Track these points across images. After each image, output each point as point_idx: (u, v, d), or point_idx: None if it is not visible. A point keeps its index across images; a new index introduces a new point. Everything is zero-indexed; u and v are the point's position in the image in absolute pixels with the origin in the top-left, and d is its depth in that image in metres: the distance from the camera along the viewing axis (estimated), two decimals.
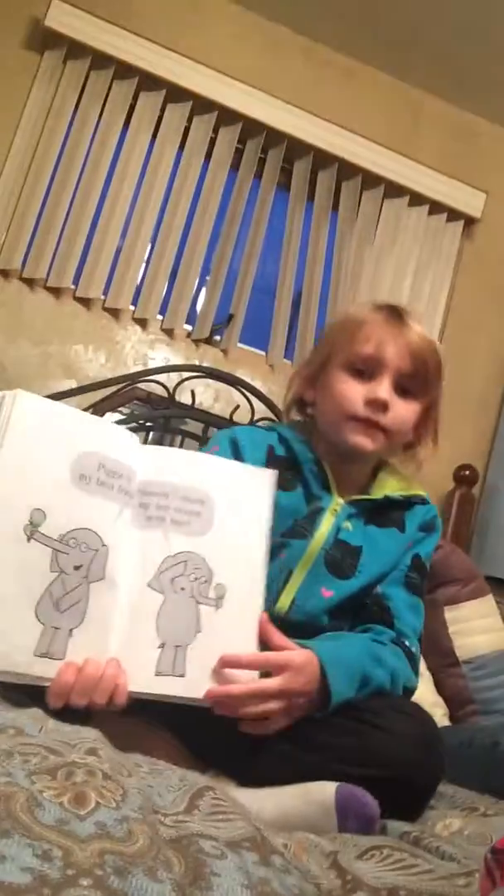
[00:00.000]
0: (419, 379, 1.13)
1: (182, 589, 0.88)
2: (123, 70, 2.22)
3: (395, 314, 1.14)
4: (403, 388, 1.13)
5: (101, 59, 2.20)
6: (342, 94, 2.45)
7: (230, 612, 0.90)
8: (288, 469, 1.16)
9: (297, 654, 0.92)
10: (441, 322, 2.47)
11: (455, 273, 2.50)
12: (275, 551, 1.08)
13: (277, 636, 0.93)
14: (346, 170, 2.40)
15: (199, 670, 0.86)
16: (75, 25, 2.15)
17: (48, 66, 2.19)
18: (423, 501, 1.21)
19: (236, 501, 0.94)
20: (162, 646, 0.86)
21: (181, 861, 0.56)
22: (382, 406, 1.10)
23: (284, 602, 1.11)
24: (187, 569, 0.89)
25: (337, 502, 1.15)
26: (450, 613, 1.84)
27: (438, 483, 2.36)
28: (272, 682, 0.90)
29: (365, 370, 1.12)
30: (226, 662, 0.88)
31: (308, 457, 1.17)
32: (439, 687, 1.79)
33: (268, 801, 0.88)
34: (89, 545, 0.86)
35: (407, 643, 1.08)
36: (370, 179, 2.41)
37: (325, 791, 0.86)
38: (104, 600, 0.85)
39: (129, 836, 0.54)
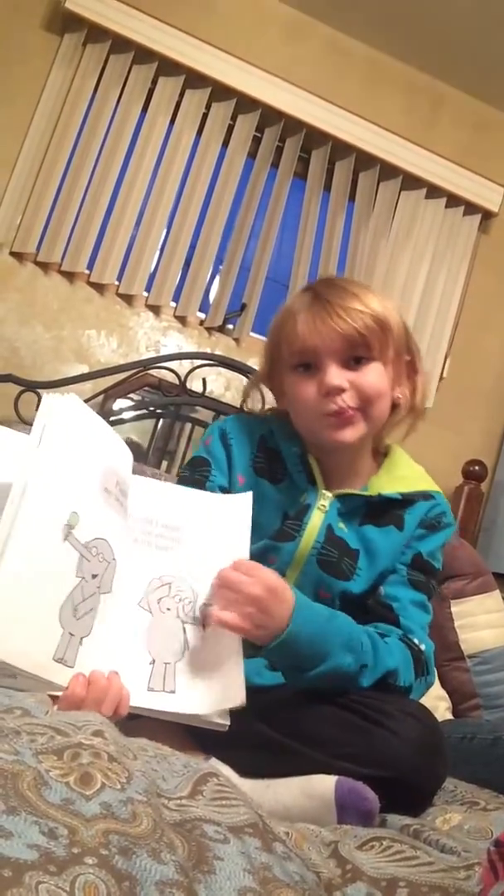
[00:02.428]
0: (360, 345, 1.05)
1: (168, 609, 0.91)
2: (143, 54, 2.21)
3: (310, 296, 1.08)
4: (355, 358, 1.06)
5: (120, 43, 2.19)
6: (362, 84, 2.43)
7: (216, 630, 0.92)
8: (279, 461, 1.13)
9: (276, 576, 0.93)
10: (455, 316, 2.46)
11: (470, 267, 2.49)
12: (265, 555, 1.08)
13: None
14: (364, 160, 2.39)
15: (187, 687, 0.88)
16: (95, 8, 2.14)
17: (67, 49, 2.18)
18: (428, 497, 1.14)
19: (214, 529, 0.98)
20: (152, 662, 0.88)
21: (185, 844, 0.56)
22: (339, 391, 1.04)
23: None
24: (171, 590, 0.92)
25: (324, 496, 1.10)
26: (456, 607, 1.84)
27: (447, 478, 2.36)
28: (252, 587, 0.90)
29: (308, 364, 1.07)
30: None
31: (292, 451, 1.13)
32: (443, 680, 1.79)
33: (268, 793, 0.88)
34: (105, 556, 0.87)
35: (415, 640, 1.05)
36: (387, 170, 2.40)
37: (325, 784, 0.86)
38: (109, 613, 0.87)
39: (134, 818, 0.55)
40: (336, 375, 1.05)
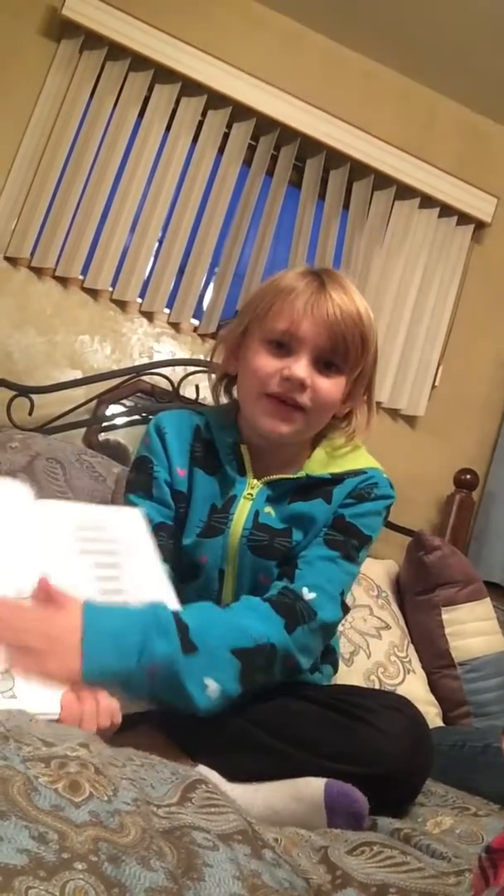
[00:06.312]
0: (341, 353, 1.06)
1: None
2: (139, 62, 2.22)
3: (316, 283, 1.06)
4: (327, 363, 1.07)
5: (116, 50, 2.20)
6: (357, 94, 2.45)
7: None
8: (212, 453, 1.14)
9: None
10: (447, 325, 2.47)
11: (463, 277, 2.50)
12: (196, 552, 1.10)
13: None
14: (358, 169, 2.40)
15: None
16: (92, 15, 2.15)
17: (64, 56, 2.19)
18: (360, 473, 1.12)
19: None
20: None
21: (174, 851, 0.56)
22: (300, 385, 1.04)
23: (227, 600, 1.10)
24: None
25: (251, 485, 1.10)
26: (447, 615, 1.84)
27: (438, 486, 2.36)
28: None
29: (283, 344, 1.06)
30: None
31: (226, 441, 1.14)
32: (433, 687, 1.79)
33: (257, 797, 0.88)
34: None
35: (295, 590, 1.01)
36: (382, 180, 2.41)
37: (313, 787, 0.86)
38: None
39: (122, 828, 0.55)
40: (305, 369, 1.05)
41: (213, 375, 1.21)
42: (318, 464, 1.13)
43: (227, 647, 0.93)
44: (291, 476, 1.11)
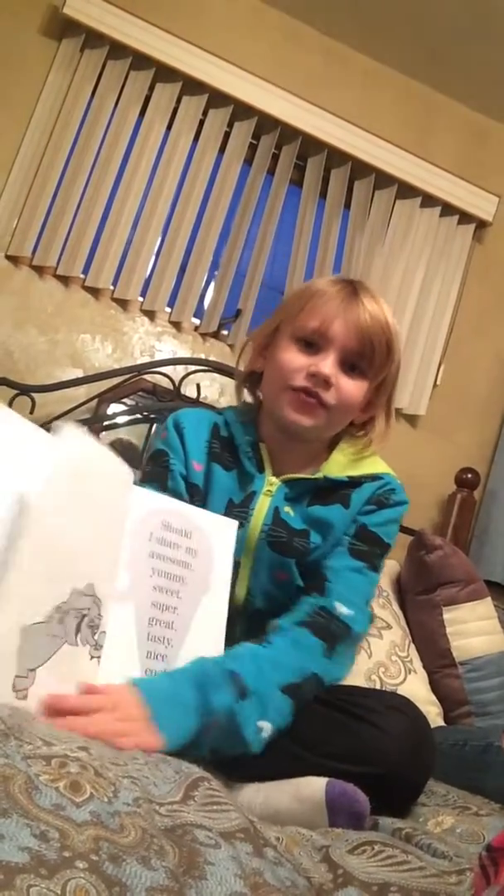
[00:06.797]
0: (367, 357, 1.10)
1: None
2: (140, 60, 2.22)
3: (349, 289, 1.11)
4: (352, 365, 1.10)
5: (118, 49, 2.20)
6: (358, 93, 2.45)
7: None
8: (230, 450, 1.16)
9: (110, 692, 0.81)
10: (449, 324, 2.47)
11: (464, 276, 2.50)
12: None
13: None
14: (360, 168, 2.40)
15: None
16: (93, 14, 2.15)
17: (65, 55, 2.19)
18: (377, 478, 1.14)
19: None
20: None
21: (175, 850, 0.56)
22: (324, 381, 1.08)
23: (240, 594, 1.11)
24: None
25: (270, 482, 1.13)
26: (448, 614, 1.84)
27: (440, 485, 2.36)
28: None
29: (312, 343, 1.10)
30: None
31: (245, 438, 1.16)
32: (435, 687, 1.79)
33: (258, 797, 0.88)
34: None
35: (330, 610, 1.02)
36: (383, 179, 2.41)
37: (315, 787, 0.86)
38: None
39: (122, 829, 0.55)
40: (332, 367, 1.08)
41: (238, 374, 1.23)
42: (337, 466, 1.15)
43: (278, 686, 0.93)
44: (310, 476, 1.13)
